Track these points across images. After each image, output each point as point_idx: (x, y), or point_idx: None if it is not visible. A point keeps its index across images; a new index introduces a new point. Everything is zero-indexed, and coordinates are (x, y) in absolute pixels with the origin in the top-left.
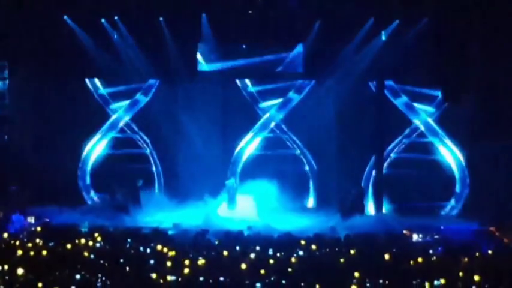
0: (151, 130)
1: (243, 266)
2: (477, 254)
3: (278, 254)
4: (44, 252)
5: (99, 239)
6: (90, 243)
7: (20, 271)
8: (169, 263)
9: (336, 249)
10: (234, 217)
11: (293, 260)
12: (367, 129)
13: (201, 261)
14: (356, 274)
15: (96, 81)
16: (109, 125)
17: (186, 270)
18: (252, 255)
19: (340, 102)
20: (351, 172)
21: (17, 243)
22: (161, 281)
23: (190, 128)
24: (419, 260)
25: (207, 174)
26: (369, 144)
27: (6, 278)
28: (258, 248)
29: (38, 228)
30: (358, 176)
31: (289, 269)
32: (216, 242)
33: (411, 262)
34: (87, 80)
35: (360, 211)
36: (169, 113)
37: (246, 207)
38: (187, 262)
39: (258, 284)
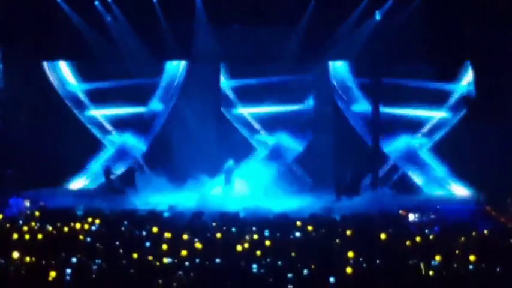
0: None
1: (239, 247)
2: (473, 233)
3: (274, 236)
4: (40, 236)
5: (95, 221)
6: (86, 226)
7: (15, 254)
8: (165, 245)
9: (332, 229)
10: (230, 198)
11: (289, 241)
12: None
13: (196, 243)
14: (351, 254)
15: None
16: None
17: (182, 252)
18: (248, 237)
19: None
20: (348, 153)
21: (14, 226)
22: (157, 263)
23: (185, 110)
24: (416, 239)
25: (203, 155)
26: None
27: (2, 261)
28: (254, 229)
29: (35, 212)
30: (355, 157)
31: (286, 250)
32: (213, 224)
33: (407, 242)
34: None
35: (355, 192)
36: (162, 96)
37: (243, 189)
38: (183, 244)
39: (254, 265)
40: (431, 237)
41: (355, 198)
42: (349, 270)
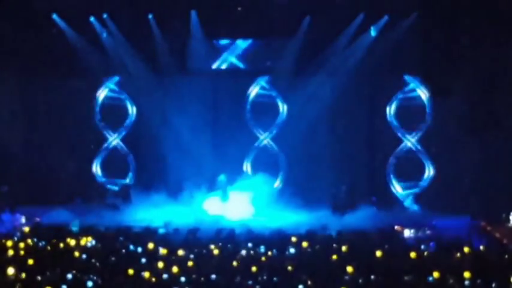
0: (140, 128)
1: (235, 263)
2: (468, 249)
3: (270, 252)
4: (35, 252)
5: (90, 238)
6: (82, 242)
7: (10, 271)
8: (160, 262)
9: (328, 246)
10: (225, 214)
11: (285, 257)
12: (359, 125)
13: (192, 260)
14: (349, 269)
15: None
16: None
17: (177, 269)
18: (244, 253)
19: (330, 98)
20: (342, 169)
21: (8, 243)
22: (153, 279)
23: (180, 125)
24: (412, 255)
25: (196, 169)
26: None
27: None
28: (249, 245)
29: (29, 228)
30: (350, 172)
31: (281, 267)
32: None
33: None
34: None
35: (351, 207)
36: (159, 110)
37: (238, 204)
38: (178, 260)
39: (249, 282)
40: (426, 253)
41: (352, 214)
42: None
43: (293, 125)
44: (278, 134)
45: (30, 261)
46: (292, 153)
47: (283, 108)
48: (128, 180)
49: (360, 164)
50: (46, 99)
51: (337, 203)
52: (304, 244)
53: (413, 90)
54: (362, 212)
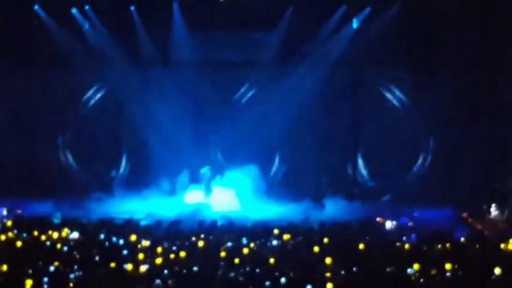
0: (123, 119)
1: (217, 255)
2: (450, 241)
3: (252, 244)
4: (17, 244)
5: (72, 230)
6: (64, 234)
7: None
8: (142, 254)
9: (310, 237)
10: (208, 206)
11: (267, 249)
12: (342, 116)
13: (174, 252)
14: (329, 261)
15: None
16: None
17: (160, 261)
18: (226, 245)
19: (313, 89)
20: (325, 160)
21: None
22: (135, 271)
23: (162, 116)
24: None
25: (179, 162)
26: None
27: None
28: (232, 237)
29: (11, 220)
30: (333, 164)
31: (263, 258)
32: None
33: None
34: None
35: (319, 202)
36: (141, 102)
37: (221, 196)
38: (160, 252)
39: (232, 274)
40: (407, 245)
41: (333, 207)
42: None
43: (276, 116)
44: (261, 126)
45: (12, 254)
46: (275, 144)
47: (265, 100)
48: (111, 172)
49: (342, 155)
50: (27, 90)
51: (318, 195)
52: (286, 236)
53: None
54: (343, 204)
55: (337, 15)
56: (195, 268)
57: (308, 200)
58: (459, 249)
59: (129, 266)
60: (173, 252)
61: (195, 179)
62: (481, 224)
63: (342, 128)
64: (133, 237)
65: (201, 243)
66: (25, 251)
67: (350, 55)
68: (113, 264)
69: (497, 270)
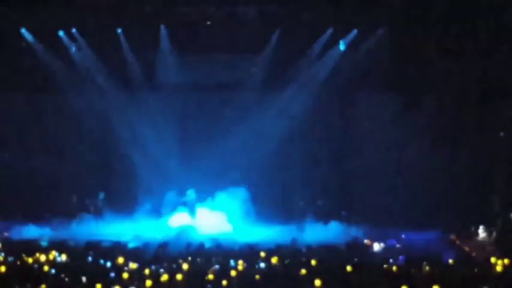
0: (110, 142)
1: (205, 277)
2: (438, 263)
3: (240, 266)
4: (4, 268)
5: (60, 253)
6: (51, 257)
7: None
8: (130, 276)
9: (297, 260)
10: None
11: (255, 271)
12: (330, 138)
13: (162, 274)
14: (318, 283)
15: None
16: None
17: (148, 283)
18: (214, 267)
19: (301, 112)
20: (313, 183)
21: None
22: None
23: (149, 139)
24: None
25: (165, 184)
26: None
27: None
28: (219, 259)
29: None
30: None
31: (251, 281)
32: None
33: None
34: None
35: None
36: (128, 123)
37: (208, 218)
38: (148, 275)
39: None
40: (395, 267)
41: (321, 228)
42: None
43: (263, 139)
44: (249, 148)
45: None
46: (263, 167)
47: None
48: (98, 195)
49: (331, 177)
50: (15, 114)
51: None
52: (274, 259)
53: None
54: (332, 226)
55: (323, 38)
56: None
57: (295, 223)
58: (447, 271)
59: None
60: (161, 274)
61: (180, 201)
62: (469, 246)
63: (329, 151)
64: (120, 260)
65: (187, 266)
66: (12, 274)
67: (337, 78)
68: (99, 287)
69: None
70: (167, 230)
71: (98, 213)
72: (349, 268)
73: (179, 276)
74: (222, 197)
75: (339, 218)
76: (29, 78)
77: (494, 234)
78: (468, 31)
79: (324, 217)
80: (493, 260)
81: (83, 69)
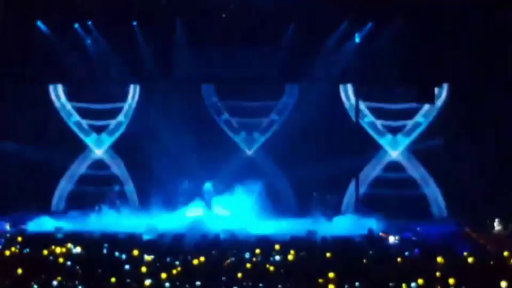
0: (125, 134)
1: (220, 270)
2: (453, 255)
3: (254, 258)
4: (20, 259)
5: (75, 245)
6: (66, 249)
7: None
8: (145, 268)
9: (313, 252)
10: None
11: (270, 264)
12: (345, 132)
13: (177, 266)
14: (331, 275)
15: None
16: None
17: (163, 275)
18: (229, 259)
19: (316, 105)
20: (329, 176)
21: None
22: (138, 286)
23: (165, 133)
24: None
25: (182, 177)
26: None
27: None
28: (234, 251)
29: (14, 235)
30: (337, 180)
31: (266, 273)
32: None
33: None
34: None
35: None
36: (144, 117)
37: (223, 211)
38: (163, 267)
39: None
40: (410, 259)
41: (338, 221)
42: None
43: (279, 132)
44: (264, 142)
45: (15, 269)
46: (278, 161)
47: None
48: (114, 187)
49: (346, 171)
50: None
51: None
52: (289, 251)
53: None
54: (347, 219)
55: (339, 31)
56: (197, 283)
57: (312, 215)
58: (462, 264)
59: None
60: (176, 266)
61: (197, 194)
62: (484, 239)
63: (346, 144)
64: (135, 252)
65: (203, 258)
66: (28, 266)
67: (353, 70)
68: (115, 279)
69: (503, 284)
70: (182, 222)
71: (113, 206)
72: (364, 261)
73: (194, 269)
74: (238, 190)
75: (354, 211)
76: (44, 70)
77: (509, 227)
78: (484, 23)
79: (338, 210)
80: (506, 253)
81: (98, 61)
